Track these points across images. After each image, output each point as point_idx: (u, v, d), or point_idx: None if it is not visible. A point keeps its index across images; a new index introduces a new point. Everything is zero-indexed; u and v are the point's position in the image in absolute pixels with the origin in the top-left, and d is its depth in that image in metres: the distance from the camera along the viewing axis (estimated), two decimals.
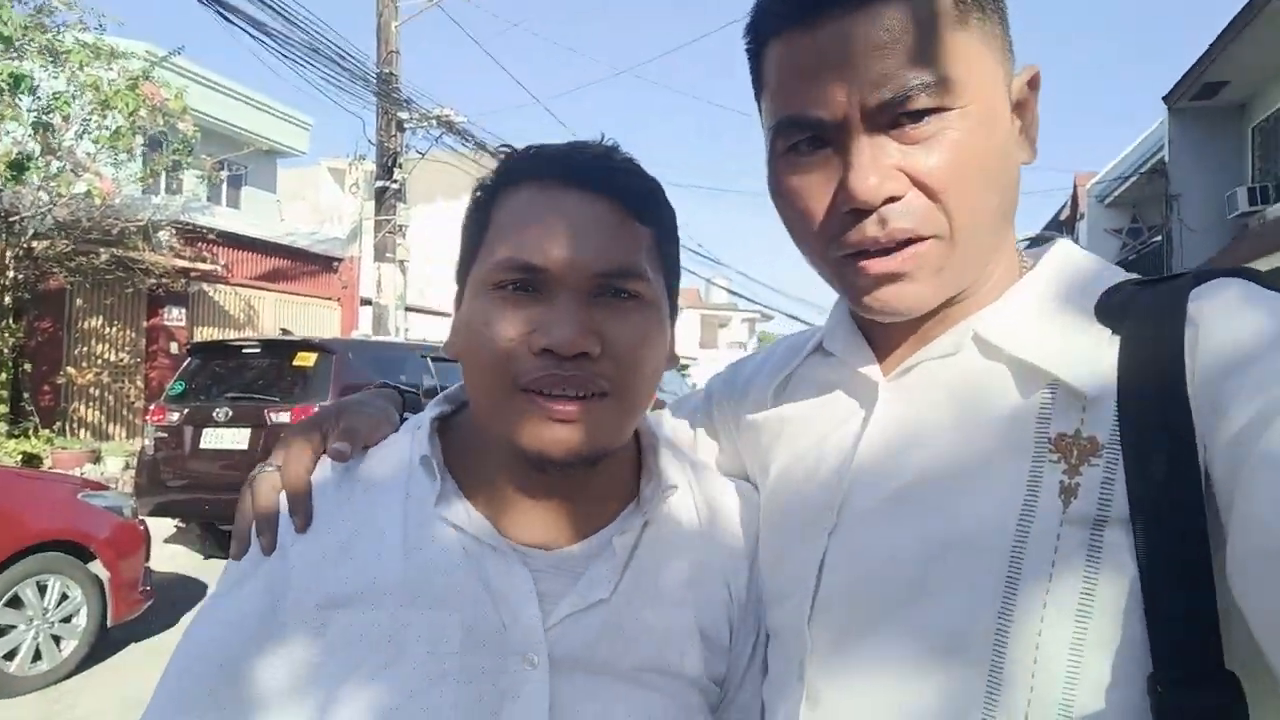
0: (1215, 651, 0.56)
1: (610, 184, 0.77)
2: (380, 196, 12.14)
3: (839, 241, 0.68)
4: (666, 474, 0.85)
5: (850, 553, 0.72)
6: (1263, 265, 10.95)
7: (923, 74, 0.63)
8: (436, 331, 20.63)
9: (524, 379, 0.72)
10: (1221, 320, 0.60)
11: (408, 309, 13.26)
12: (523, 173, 0.78)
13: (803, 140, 0.69)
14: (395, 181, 12.03)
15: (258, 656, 0.76)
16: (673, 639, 0.81)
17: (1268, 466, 0.51)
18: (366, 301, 14.46)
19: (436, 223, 23.80)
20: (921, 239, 0.66)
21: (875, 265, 0.67)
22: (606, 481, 0.84)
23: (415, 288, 16.82)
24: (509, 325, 0.73)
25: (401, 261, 12.33)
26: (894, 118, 0.64)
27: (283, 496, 0.81)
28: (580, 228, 0.74)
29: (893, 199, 0.65)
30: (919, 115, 0.64)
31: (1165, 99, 14.28)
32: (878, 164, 0.64)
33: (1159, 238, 15.39)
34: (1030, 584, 0.61)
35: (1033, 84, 0.72)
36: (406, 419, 0.91)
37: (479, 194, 0.82)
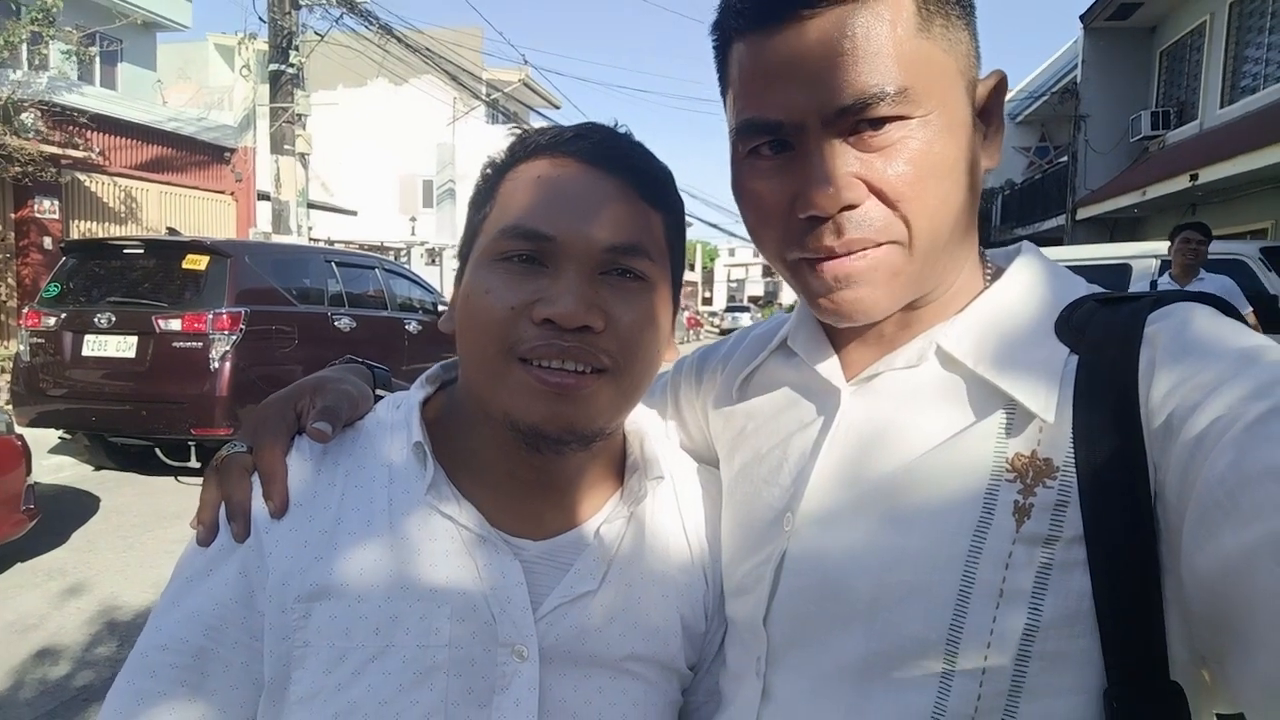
0: (1164, 665, 0.59)
1: (624, 164, 0.76)
2: (275, 81, 11.20)
3: (797, 245, 0.69)
4: (652, 463, 0.84)
5: (808, 557, 0.73)
6: (1153, 192, 11.47)
7: (884, 82, 0.63)
8: (340, 230, 19.76)
9: (522, 347, 0.71)
10: (1177, 346, 0.61)
11: (310, 205, 12.49)
12: (534, 149, 0.78)
13: (764, 144, 0.69)
14: (292, 65, 11.10)
15: (235, 650, 0.73)
16: (658, 629, 0.82)
17: (1212, 489, 0.53)
18: (264, 196, 13.56)
19: (338, 112, 22.41)
20: (878, 245, 0.66)
21: (831, 268, 0.67)
22: (595, 469, 0.84)
23: (317, 182, 15.90)
24: (511, 294, 0.72)
25: (302, 154, 11.53)
26: (854, 124, 0.64)
27: (255, 479, 0.77)
28: (592, 201, 0.74)
29: (850, 207, 0.65)
30: (879, 123, 0.64)
31: (1082, 18, 14.46)
32: (836, 172, 0.64)
33: (1064, 158, 15.86)
34: (981, 598, 0.63)
35: (998, 89, 0.72)
36: (380, 397, 0.89)
37: (488, 170, 0.81)
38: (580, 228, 0.72)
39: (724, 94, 0.74)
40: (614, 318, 0.72)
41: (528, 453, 0.76)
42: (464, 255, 0.81)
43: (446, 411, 0.84)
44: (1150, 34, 14.28)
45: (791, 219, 0.68)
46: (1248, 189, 10.54)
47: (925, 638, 0.65)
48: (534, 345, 0.70)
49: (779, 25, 0.65)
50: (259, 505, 0.75)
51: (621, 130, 0.81)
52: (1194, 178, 10.38)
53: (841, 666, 0.69)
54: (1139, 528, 0.58)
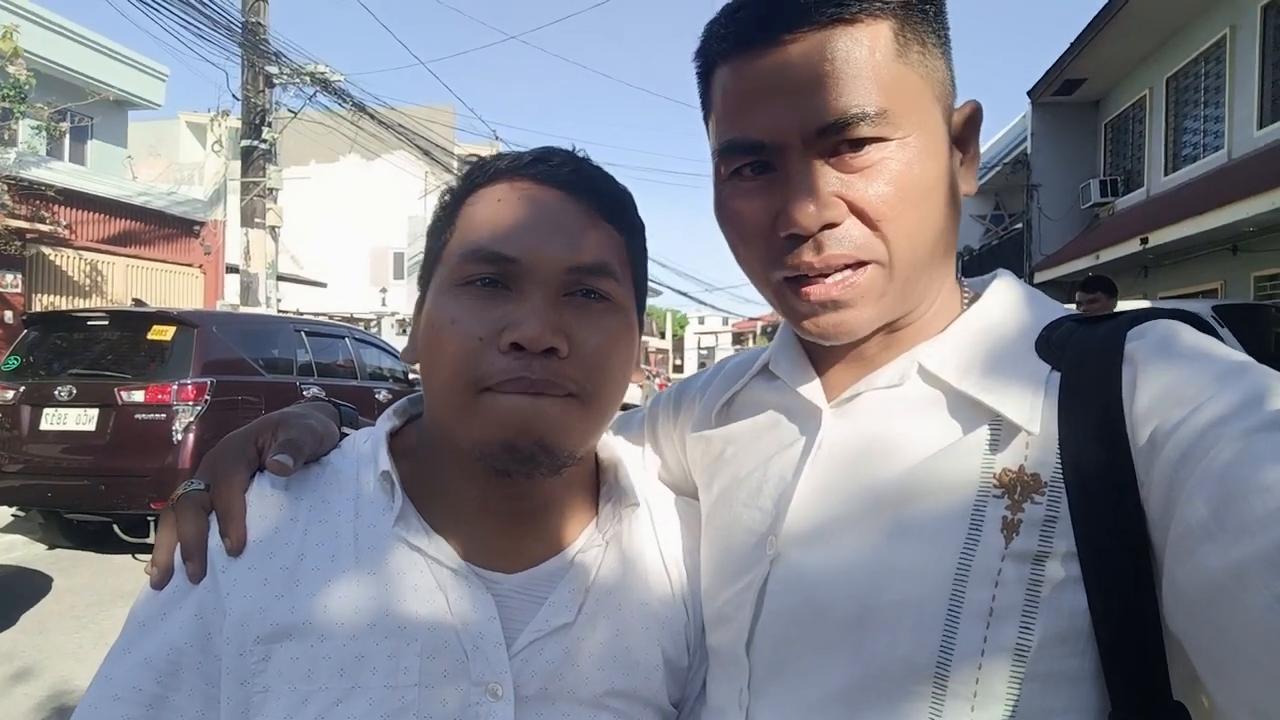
0: (1166, 684, 0.58)
1: (584, 186, 0.76)
2: (248, 156, 11.30)
3: (779, 265, 0.69)
4: (627, 491, 0.83)
5: (792, 579, 0.71)
6: (1106, 256, 11.87)
7: (864, 103, 0.64)
8: (310, 302, 19.67)
9: (490, 380, 0.69)
10: (1158, 362, 0.61)
11: (279, 278, 12.46)
12: (494, 173, 0.77)
13: (746, 165, 0.70)
14: (264, 141, 11.22)
15: (190, 697, 0.70)
16: (639, 663, 0.79)
17: (1195, 507, 0.53)
18: (234, 269, 13.50)
19: (310, 186, 22.58)
20: (859, 265, 0.67)
21: (815, 291, 0.68)
22: (568, 498, 0.82)
23: (287, 255, 15.90)
24: (476, 322, 0.71)
25: (272, 227, 11.56)
26: (834, 145, 0.65)
27: (213, 518, 0.74)
28: (553, 222, 0.73)
29: (830, 226, 0.66)
30: (859, 144, 0.65)
31: (1030, 93, 15.15)
32: (816, 191, 0.65)
33: (1019, 225, 16.39)
34: (971, 617, 0.62)
35: (973, 119, 0.73)
36: (346, 434, 0.87)
37: (446, 196, 0.80)
38: (543, 249, 0.72)
39: (706, 119, 0.76)
40: (579, 341, 0.71)
41: (499, 480, 0.73)
42: (424, 282, 0.79)
43: (415, 444, 0.81)
44: (1095, 107, 14.98)
45: (773, 238, 0.68)
46: (1197, 251, 10.94)
47: (914, 660, 0.63)
48: (503, 380, 0.69)
49: (761, 48, 0.66)
50: (216, 544, 0.72)
51: (580, 154, 0.80)
52: (1144, 241, 10.77)
53: (828, 693, 0.67)
54: (1132, 543, 0.58)
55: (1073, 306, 0.79)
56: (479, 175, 0.78)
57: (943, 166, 0.69)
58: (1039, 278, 15.03)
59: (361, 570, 0.73)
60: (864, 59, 0.64)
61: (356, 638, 0.70)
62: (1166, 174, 12.56)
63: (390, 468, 0.76)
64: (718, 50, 0.71)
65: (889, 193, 0.65)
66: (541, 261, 0.71)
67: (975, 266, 18.88)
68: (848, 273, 0.67)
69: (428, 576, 0.73)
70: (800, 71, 0.65)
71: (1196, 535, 0.52)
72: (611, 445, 0.86)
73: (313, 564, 0.72)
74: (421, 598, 0.72)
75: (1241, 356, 0.61)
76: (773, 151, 0.67)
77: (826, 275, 0.67)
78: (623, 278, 0.77)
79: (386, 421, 0.82)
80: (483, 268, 0.72)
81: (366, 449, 0.80)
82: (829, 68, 0.64)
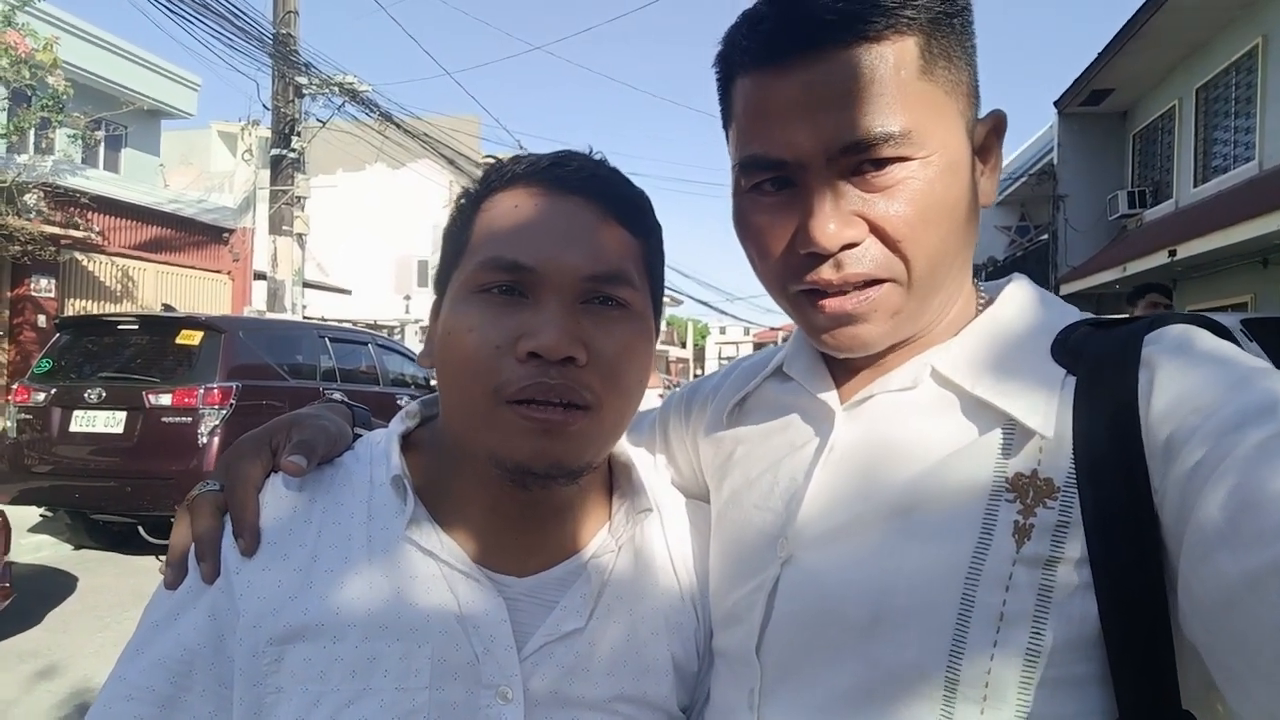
0: (1175, 692, 0.57)
1: (601, 191, 0.76)
2: (277, 165, 11.49)
3: (797, 279, 0.69)
4: (640, 496, 0.83)
5: (803, 581, 0.71)
6: (1133, 268, 11.71)
7: (887, 124, 0.63)
8: (335, 309, 19.91)
9: (510, 390, 0.69)
10: (1175, 367, 0.60)
11: (306, 285, 12.63)
12: (510, 177, 0.77)
13: (766, 180, 0.69)
14: (293, 150, 11.40)
15: (203, 698, 0.70)
16: (648, 668, 0.80)
17: (1211, 514, 0.52)
18: (261, 276, 13.71)
19: (337, 195, 22.88)
20: (878, 282, 0.67)
21: (832, 305, 0.68)
22: (581, 502, 0.82)
23: (314, 262, 16.12)
24: (494, 331, 0.70)
25: (299, 235, 11.73)
26: (857, 164, 0.65)
27: (227, 519, 0.74)
28: (570, 229, 0.73)
29: (851, 245, 0.66)
30: (882, 163, 0.65)
31: (1056, 104, 15.01)
32: (838, 210, 0.65)
33: (1045, 236, 16.22)
34: (981, 622, 0.61)
35: (997, 129, 0.73)
36: (359, 435, 0.87)
37: (462, 200, 0.80)
38: (560, 257, 0.71)
39: (726, 126, 0.75)
40: (596, 349, 0.71)
41: (513, 489, 0.74)
42: (440, 286, 0.79)
43: (428, 446, 0.81)
44: (1123, 118, 14.81)
45: (792, 254, 0.68)
46: (1226, 264, 10.76)
47: (924, 664, 0.63)
48: (523, 386, 0.69)
49: (784, 64, 0.66)
50: (230, 545, 0.73)
51: (597, 156, 0.80)
52: (1172, 253, 10.61)
53: (839, 695, 0.67)
54: (1145, 550, 0.57)
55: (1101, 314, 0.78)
56: (496, 179, 0.78)
57: (964, 183, 0.68)
58: (1065, 290, 14.84)
59: (374, 572, 0.73)
60: (889, 77, 0.64)
61: (369, 639, 0.71)
62: (1196, 185, 12.37)
63: (403, 470, 0.76)
64: (739, 61, 0.70)
65: (910, 213, 0.65)
66: (559, 270, 0.71)
67: (999, 278, 18.61)
68: (866, 290, 0.67)
69: (439, 579, 0.74)
70: (824, 90, 0.64)
71: (1212, 542, 0.52)
72: (625, 447, 0.86)
73: (326, 565, 0.73)
74: (433, 600, 0.73)
75: (1259, 361, 0.60)
76: (794, 169, 0.67)
77: (844, 291, 0.67)
78: (640, 283, 0.76)
79: (400, 423, 0.82)
80: (500, 276, 0.72)
81: (380, 450, 0.80)
82: (853, 86, 0.64)
